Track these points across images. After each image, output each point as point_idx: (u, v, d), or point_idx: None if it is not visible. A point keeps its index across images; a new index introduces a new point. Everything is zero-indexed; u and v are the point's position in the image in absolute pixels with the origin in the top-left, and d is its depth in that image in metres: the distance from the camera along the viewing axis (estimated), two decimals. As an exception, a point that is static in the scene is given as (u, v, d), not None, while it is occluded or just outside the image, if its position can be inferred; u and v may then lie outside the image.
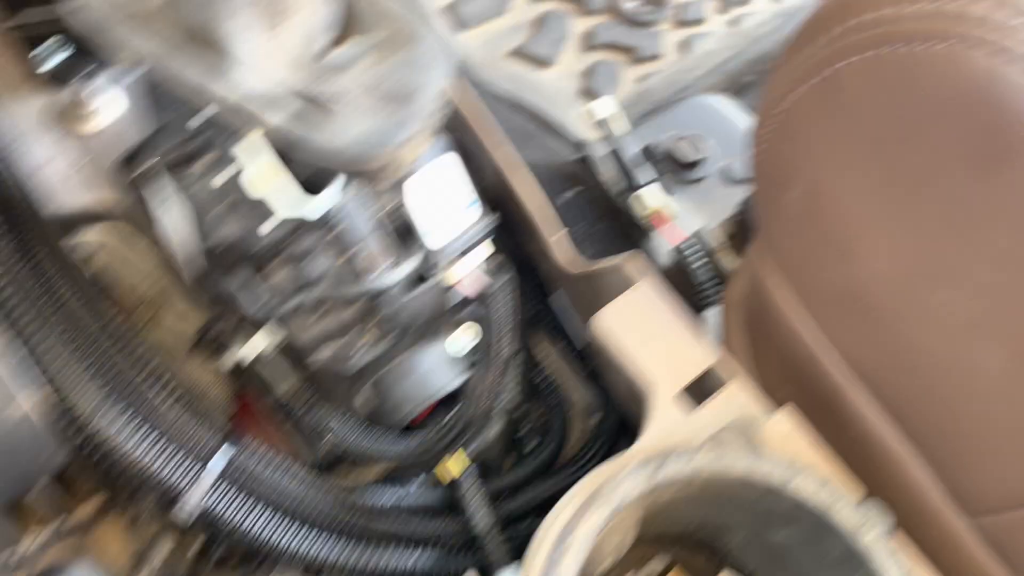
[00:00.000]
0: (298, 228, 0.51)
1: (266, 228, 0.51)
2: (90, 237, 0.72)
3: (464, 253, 0.43)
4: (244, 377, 0.59)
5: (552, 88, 1.09)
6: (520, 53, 1.11)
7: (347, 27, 0.45)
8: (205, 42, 0.44)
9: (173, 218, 0.52)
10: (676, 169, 0.90)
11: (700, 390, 0.51)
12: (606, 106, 0.75)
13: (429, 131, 0.41)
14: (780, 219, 0.55)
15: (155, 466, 0.50)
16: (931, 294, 0.47)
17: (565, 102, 1.08)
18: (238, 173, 0.50)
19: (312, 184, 0.50)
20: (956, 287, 0.46)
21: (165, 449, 0.50)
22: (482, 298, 0.43)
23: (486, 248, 0.43)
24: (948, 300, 0.47)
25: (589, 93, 1.07)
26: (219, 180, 0.51)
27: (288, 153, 0.40)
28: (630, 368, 0.50)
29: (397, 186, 0.42)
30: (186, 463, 0.51)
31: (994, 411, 0.47)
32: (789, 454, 0.48)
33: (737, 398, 0.50)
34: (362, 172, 0.39)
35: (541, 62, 1.10)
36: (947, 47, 0.43)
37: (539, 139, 1.01)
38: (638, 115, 1.07)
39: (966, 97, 0.43)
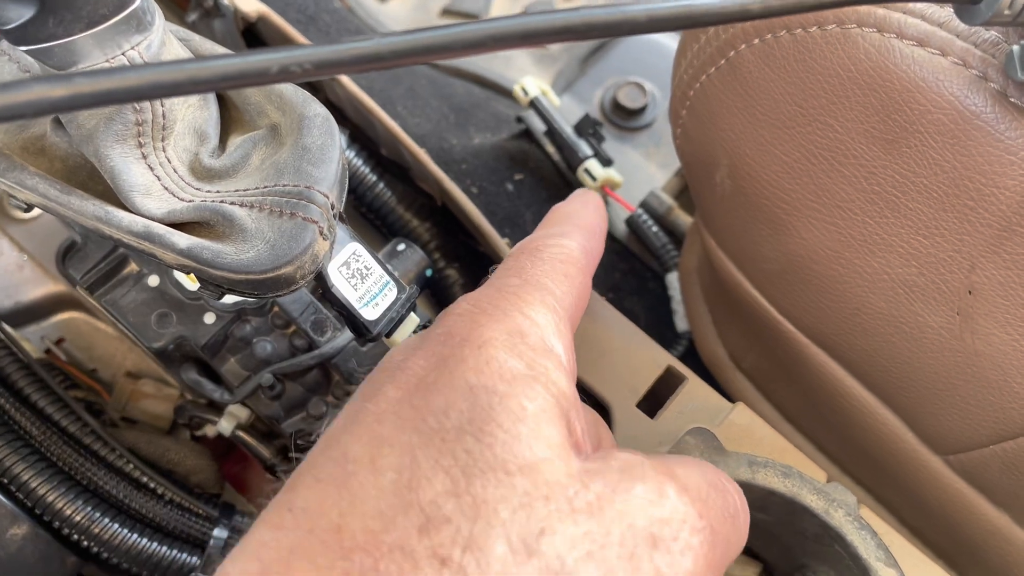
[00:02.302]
0: (241, 312, 0.52)
1: (210, 318, 0.51)
2: (56, 320, 0.74)
3: (397, 324, 0.44)
4: (231, 440, 0.61)
5: (491, 43, 1.06)
6: (450, 11, 1.08)
7: (231, 123, 0.44)
8: (97, 173, 0.43)
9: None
10: (625, 117, 0.89)
11: (661, 393, 0.51)
12: (532, 86, 0.74)
13: (335, 220, 0.41)
14: (712, 199, 0.54)
15: (156, 561, 0.52)
16: (866, 261, 0.47)
17: (506, 54, 1.05)
18: (170, 272, 0.51)
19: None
20: (888, 253, 0.46)
21: (162, 546, 0.52)
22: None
23: (413, 320, 0.44)
24: (883, 265, 0.47)
25: (528, 40, 1.04)
26: (153, 281, 0.51)
27: (202, 275, 0.40)
28: (589, 385, 0.50)
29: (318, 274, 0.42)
30: (184, 554, 0.53)
31: (944, 363, 0.48)
32: (751, 445, 0.49)
33: (695, 396, 0.50)
34: (277, 283, 0.39)
35: (473, 16, 1.07)
36: (838, 27, 0.42)
37: (485, 104, 1.00)
38: (584, 54, 1.05)
39: (860, 76, 0.42)
